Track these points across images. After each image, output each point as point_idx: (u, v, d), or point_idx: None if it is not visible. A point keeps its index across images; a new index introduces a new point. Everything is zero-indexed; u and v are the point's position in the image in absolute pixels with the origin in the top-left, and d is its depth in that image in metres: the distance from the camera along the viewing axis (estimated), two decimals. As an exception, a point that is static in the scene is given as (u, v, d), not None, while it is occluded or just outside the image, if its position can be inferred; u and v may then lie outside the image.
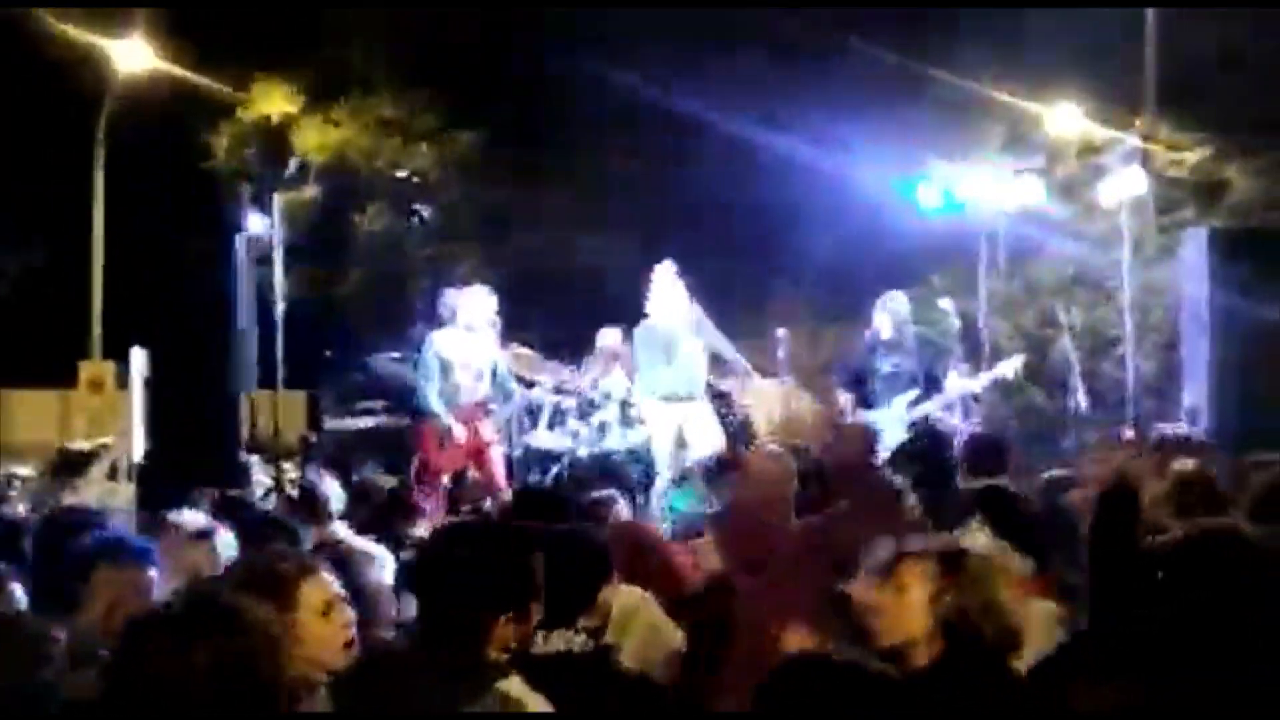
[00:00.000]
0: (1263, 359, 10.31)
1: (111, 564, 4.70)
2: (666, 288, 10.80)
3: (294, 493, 11.39)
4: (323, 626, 3.77)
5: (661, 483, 10.57)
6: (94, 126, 18.04)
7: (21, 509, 8.71)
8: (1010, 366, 11.16)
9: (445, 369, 10.44)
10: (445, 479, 10.54)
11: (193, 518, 5.59)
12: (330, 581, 3.88)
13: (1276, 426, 9.72)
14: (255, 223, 10.96)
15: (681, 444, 10.70)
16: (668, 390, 10.81)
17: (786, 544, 5.49)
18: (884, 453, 10.23)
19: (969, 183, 13.37)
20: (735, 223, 19.05)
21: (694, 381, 10.90)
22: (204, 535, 5.35)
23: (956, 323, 11.66)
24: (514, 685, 3.41)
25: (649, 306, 10.85)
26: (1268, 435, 8.93)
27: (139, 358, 11.12)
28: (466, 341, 10.50)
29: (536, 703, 3.46)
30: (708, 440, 10.65)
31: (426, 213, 13.49)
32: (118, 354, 13.27)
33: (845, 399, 10.98)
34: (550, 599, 3.71)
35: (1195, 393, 10.36)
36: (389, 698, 3.47)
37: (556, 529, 4.48)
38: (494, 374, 10.62)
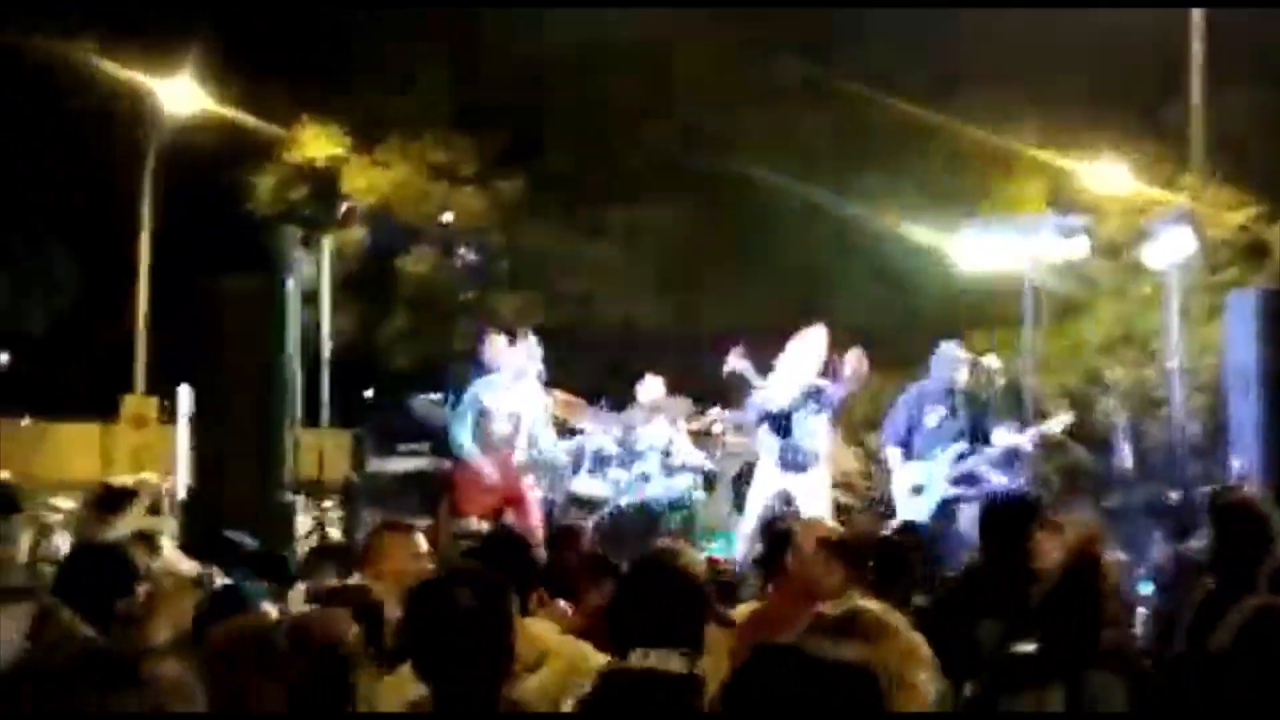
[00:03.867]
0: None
1: None
2: (815, 349, 10.57)
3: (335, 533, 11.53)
4: None
5: (744, 527, 10.51)
6: (141, 164, 18.25)
7: (62, 543, 8.69)
8: (1059, 423, 11.07)
9: (483, 414, 10.43)
10: (475, 521, 10.43)
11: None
12: None
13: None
14: (302, 262, 11.00)
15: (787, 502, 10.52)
16: (781, 458, 10.61)
17: None
18: (927, 504, 10.27)
19: (1012, 238, 13.27)
20: (771, 277, 19.07)
21: (813, 452, 10.64)
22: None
23: (1000, 379, 11.55)
24: None
25: (783, 361, 10.63)
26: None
27: (185, 395, 11.17)
28: (511, 389, 10.50)
29: None
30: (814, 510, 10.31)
31: (470, 256, 13.46)
32: (161, 390, 13.33)
33: (892, 452, 10.88)
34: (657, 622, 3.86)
35: (1243, 456, 10.22)
36: None
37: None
38: (532, 424, 10.58)
